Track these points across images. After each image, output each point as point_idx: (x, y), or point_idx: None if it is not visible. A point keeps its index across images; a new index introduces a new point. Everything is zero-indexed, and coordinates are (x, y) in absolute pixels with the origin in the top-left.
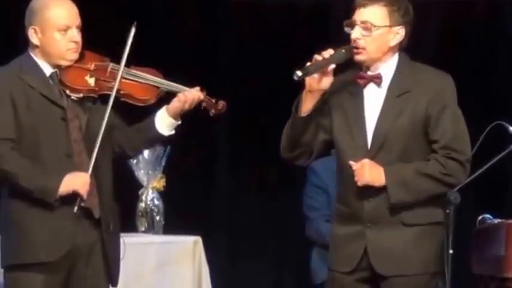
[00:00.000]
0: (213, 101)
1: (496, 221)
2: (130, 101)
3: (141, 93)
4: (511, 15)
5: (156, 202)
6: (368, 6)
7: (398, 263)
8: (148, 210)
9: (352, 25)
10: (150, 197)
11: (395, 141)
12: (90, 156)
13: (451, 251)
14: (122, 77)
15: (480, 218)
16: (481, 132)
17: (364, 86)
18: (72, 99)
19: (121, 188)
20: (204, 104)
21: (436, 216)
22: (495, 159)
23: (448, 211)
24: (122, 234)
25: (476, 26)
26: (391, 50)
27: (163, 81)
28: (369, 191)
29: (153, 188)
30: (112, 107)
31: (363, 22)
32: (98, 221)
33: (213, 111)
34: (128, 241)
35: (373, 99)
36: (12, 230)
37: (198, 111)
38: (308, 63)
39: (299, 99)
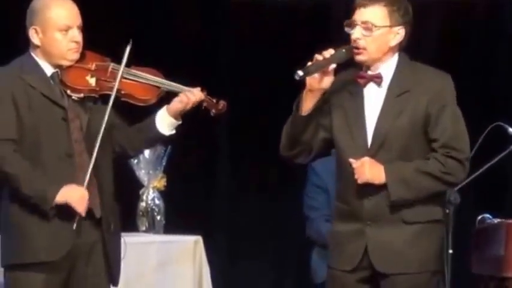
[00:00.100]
0: (214, 101)
1: (496, 220)
2: (131, 101)
3: (142, 93)
4: (511, 15)
5: (157, 202)
6: (368, 6)
7: (399, 261)
8: (149, 209)
9: (353, 25)
10: (150, 196)
11: (395, 140)
12: (91, 156)
13: (450, 251)
14: (123, 77)
15: (480, 217)
16: (481, 132)
17: (364, 85)
18: (73, 99)
19: (122, 187)
20: (204, 104)
21: (435, 214)
22: (495, 160)
23: (447, 211)
24: (122, 234)
25: (476, 26)
26: (391, 50)
27: (163, 81)
28: (369, 189)
29: (153, 188)
30: (112, 107)
31: (363, 22)
32: (99, 220)
33: (213, 111)
34: (128, 241)
35: (373, 98)
36: (13, 229)
37: (199, 111)
38: (309, 63)
39: (300, 98)
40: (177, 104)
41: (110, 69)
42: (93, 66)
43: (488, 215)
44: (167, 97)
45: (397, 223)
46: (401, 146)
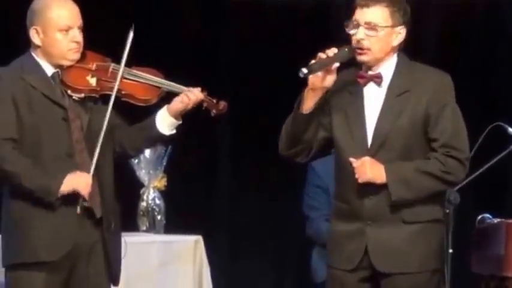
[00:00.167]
0: (214, 101)
1: (496, 220)
2: (131, 101)
3: (142, 93)
4: (511, 15)
5: (157, 201)
6: (371, 6)
7: (399, 260)
8: (150, 209)
9: (356, 26)
10: (151, 196)
11: (395, 140)
12: (91, 156)
13: (450, 250)
14: (123, 77)
15: (479, 217)
16: (481, 132)
17: (364, 85)
18: (73, 99)
19: (122, 187)
20: (205, 104)
21: (435, 213)
22: (495, 160)
23: (447, 211)
24: (123, 234)
25: (476, 26)
26: (393, 50)
27: (164, 81)
28: (369, 188)
29: (154, 188)
30: (113, 107)
31: (367, 23)
32: (100, 220)
33: (214, 111)
34: (129, 240)
35: (373, 98)
36: (14, 229)
37: (199, 111)
38: (312, 61)
39: (301, 96)
40: (177, 103)
41: (110, 70)
42: (93, 66)
43: (488, 215)
44: (167, 97)
45: (397, 223)
46: (401, 145)
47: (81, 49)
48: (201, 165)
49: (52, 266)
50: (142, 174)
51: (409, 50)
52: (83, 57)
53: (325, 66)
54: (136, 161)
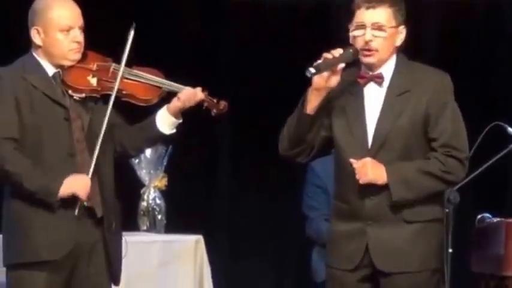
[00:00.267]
0: (215, 101)
1: (495, 219)
2: (132, 101)
3: (143, 93)
4: (511, 15)
5: (158, 201)
6: (377, 8)
7: (400, 259)
8: (150, 209)
9: (361, 27)
10: (152, 196)
11: (395, 140)
12: (92, 156)
13: (450, 250)
14: (124, 77)
15: (479, 217)
16: (481, 132)
17: (364, 85)
18: (74, 99)
19: (123, 187)
20: (205, 104)
21: (436, 213)
22: (494, 159)
23: (447, 210)
24: (123, 233)
25: (476, 26)
26: (395, 50)
27: (164, 81)
28: (370, 188)
29: (154, 187)
30: (114, 107)
31: (374, 24)
32: (100, 219)
33: (214, 111)
34: (129, 240)
35: (373, 98)
36: (15, 229)
37: (200, 111)
38: (318, 61)
39: (304, 97)
40: (176, 102)
41: (111, 70)
42: (94, 67)
43: (487, 214)
44: (168, 97)
45: (398, 222)
46: (401, 146)
47: (82, 49)
48: (202, 165)
49: (53, 266)
50: (143, 174)
51: (409, 50)
52: (83, 58)
53: (331, 66)
54: (137, 160)
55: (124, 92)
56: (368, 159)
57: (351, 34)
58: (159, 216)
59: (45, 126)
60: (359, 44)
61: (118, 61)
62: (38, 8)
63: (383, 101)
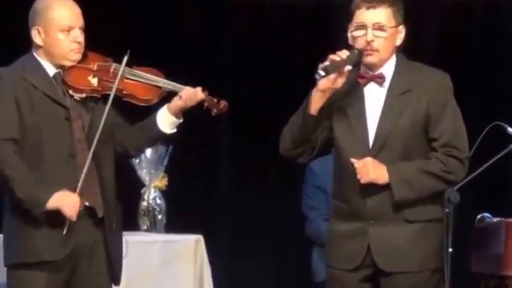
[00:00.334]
0: (215, 100)
1: (495, 219)
2: (132, 101)
3: (144, 93)
4: (511, 15)
5: (158, 201)
6: (377, 8)
7: (402, 259)
8: (151, 209)
9: (361, 27)
10: (152, 196)
11: (396, 140)
12: (92, 156)
13: (450, 250)
14: (125, 77)
15: (479, 216)
16: (481, 132)
17: (365, 85)
18: (75, 99)
19: (123, 187)
20: (206, 104)
21: (436, 212)
22: (494, 159)
23: (447, 210)
24: (124, 233)
25: (476, 26)
26: (395, 50)
27: (165, 81)
28: (372, 188)
29: (155, 187)
30: (114, 107)
31: (375, 24)
32: (101, 220)
33: (215, 110)
34: (130, 240)
35: (374, 98)
36: (16, 229)
37: (200, 111)
38: (326, 63)
39: (308, 97)
40: (178, 102)
41: (111, 70)
42: (95, 67)
43: (487, 214)
44: (168, 97)
45: (399, 222)
46: (402, 145)
47: (82, 49)
48: (202, 165)
49: (54, 266)
50: (143, 173)
51: (409, 50)
52: (84, 58)
53: (338, 68)
54: (138, 160)
55: (124, 92)
56: (369, 159)
57: (351, 34)
58: (160, 216)
59: (46, 126)
60: (360, 44)
61: (118, 61)
62: (39, 8)
63: (384, 101)
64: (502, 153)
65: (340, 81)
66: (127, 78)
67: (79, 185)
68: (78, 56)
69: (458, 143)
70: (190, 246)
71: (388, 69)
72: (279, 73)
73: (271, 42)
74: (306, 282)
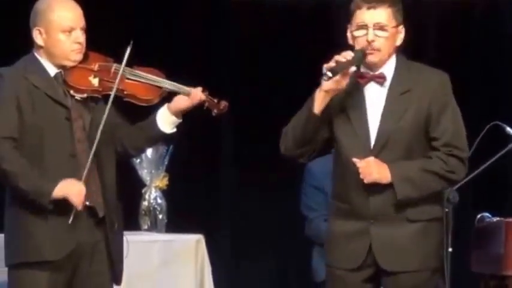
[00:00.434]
0: (215, 101)
1: (495, 219)
2: (133, 101)
3: (144, 93)
4: (511, 15)
5: (159, 201)
6: (378, 8)
7: (403, 258)
8: (152, 208)
9: (362, 27)
10: (153, 195)
11: (398, 139)
12: (93, 156)
13: (450, 249)
14: (125, 78)
15: (479, 216)
16: (481, 132)
17: (365, 85)
18: (76, 99)
19: (124, 186)
20: (206, 104)
21: (437, 212)
22: (493, 158)
23: (446, 210)
24: (125, 233)
25: (476, 26)
26: (395, 49)
27: (165, 81)
28: (374, 188)
29: (156, 187)
30: (115, 107)
31: (376, 24)
32: (102, 219)
33: (215, 111)
34: (131, 239)
35: (375, 98)
36: (17, 228)
37: (201, 111)
38: (332, 64)
39: (312, 98)
40: (177, 103)
41: (112, 70)
42: (96, 67)
43: (487, 214)
44: (169, 97)
45: (401, 221)
46: (403, 145)
47: (83, 50)
48: (203, 165)
49: (55, 265)
50: (144, 173)
51: (408, 50)
52: (85, 58)
53: (344, 69)
54: (138, 160)
55: (125, 92)
56: (372, 159)
57: (352, 34)
58: (160, 216)
59: (47, 127)
60: (360, 43)
61: (119, 61)
62: (40, 8)
63: (385, 101)
64: (501, 153)
65: (345, 82)
66: (128, 79)
67: (84, 174)
68: (79, 57)
69: (459, 143)
70: (191, 246)
71: (388, 69)
72: (279, 73)
73: (271, 42)
74: (306, 282)
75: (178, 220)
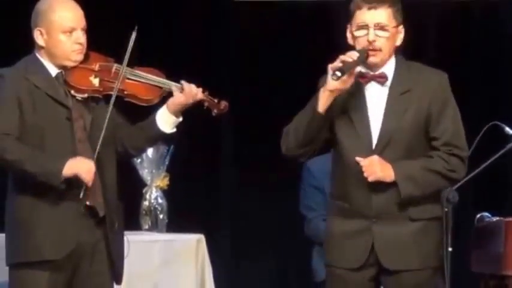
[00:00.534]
0: (215, 101)
1: (495, 218)
2: (134, 101)
3: (145, 93)
4: (511, 15)
5: (160, 201)
6: (378, 8)
7: (405, 257)
8: (152, 208)
9: (363, 27)
10: (153, 195)
11: (400, 139)
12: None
13: (450, 249)
14: (126, 78)
15: (478, 216)
16: (480, 132)
17: (365, 84)
18: (77, 100)
19: (125, 186)
20: (206, 104)
21: (437, 211)
22: (493, 158)
23: (446, 209)
24: (125, 232)
25: (476, 26)
26: (395, 49)
27: (166, 81)
28: (376, 186)
29: (156, 187)
30: (116, 107)
31: (377, 24)
32: (103, 219)
33: (215, 111)
34: (131, 239)
35: (376, 97)
36: (18, 228)
37: (201, 111)
38: (339, 64)
39: (316, 98)
40: (179, 98)
41: (113, 70)
42: (96, 67)
43: (486, 214)
44: (169, 97)
45: (403, 220)
46: (405, 144)
47: (84, 50)
48: (203, 165)
49: (56, 265)
50: (145, 173)
51: (408, 50)
52: (86, 58)
53: (350, 69)
54: (139, 160)
55: (126, 92)
56: (375, 157)
57: (352, 34)
58: (161, 216)
59: (48, 127)
60: (361, 43)
61: (120, 61)
62: (41, 9)
63: (386, 100)
64: (500, 153)
65: (350, 82)
66: (128, 79)
67: (94, 156)
68: (80, 57)
69: (459, 142)
70: (192, 246)
71: (388, 69)
72: (279, 73)
73: (271, 42)
74: (306, 282)
75: (178, 220)
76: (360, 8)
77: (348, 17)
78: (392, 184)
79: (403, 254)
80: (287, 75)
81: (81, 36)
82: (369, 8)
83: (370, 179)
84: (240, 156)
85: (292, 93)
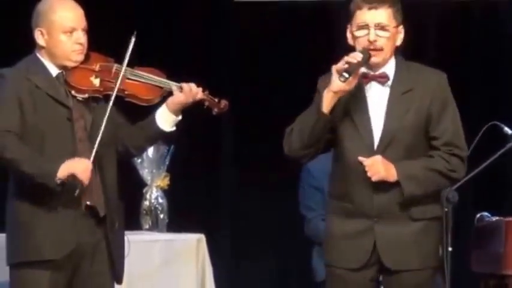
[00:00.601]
0: (216, 100)
1: (494, 218)
2: (134, 101)
3: (145, 93)
4: (511, 15)
5: (160, 200)
6: (379, 8)
7: (407, 257)
8: (153, 208)
9: (363, 27)
10: (154, 195)
11: (401, 139)
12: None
13: (450, 249)
14: (126, 78)
15: (478, 215)
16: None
17: (366, 84)
18: (77, 100)
19: (125, 186)
20: (206, 103)
21: (438, 211)
22: (492, 158)
23: (446, 209)
24: (126, 232)
25: (476, 26)
26: (396, 49)
27: (166, 81)
28: (378, 186)
29: (157, 187)
30: (116, 107)
31: (377, 24)
32: (103, 219)
33: (215, 110)
34: (132, 239)
35: (377, 97)
36: (18, 228)
37: (201, 111)
38: (345, 65)
39: (320, 99)
40: (178, 97)
41: (113, 70)
42: (97, 67)
43: (486, 213)
44: (169, 97)
45: (404, 220)
46: (406, 144)
47: (85, 51)
48: (204, 165)
49: (56, 265)
50: (145, 173)
51: (408, 50)
52: (86, 58)
53: (355, 70)
54: (140, 160)
55: (126, 92)
56: (378, 157)
57: (352, 34)
58: (161, 215)
59: (48, 127)
60: (362, 44)
61: (120, 61)
62: (42, 9)
63: (388, 100)
64: (500, 152)
65: (354, 83)
66: (128, 79)
67: (92, 155)
68: (80, 57)
69: (459, 142)
70: (192, 246)
71: (390, 69)
72: (279, 73)
73: (271, 42)
74: (306, 282)
75: (179, 219)
76: (360, 8)
77: (348, 17)
78: (394, 184)
79: (404, 254)
80: (287, 75)
81: (81, 37)
82: (370, 8)
83: (374, 178)
84: (240, 156)
85: (292, 93)
